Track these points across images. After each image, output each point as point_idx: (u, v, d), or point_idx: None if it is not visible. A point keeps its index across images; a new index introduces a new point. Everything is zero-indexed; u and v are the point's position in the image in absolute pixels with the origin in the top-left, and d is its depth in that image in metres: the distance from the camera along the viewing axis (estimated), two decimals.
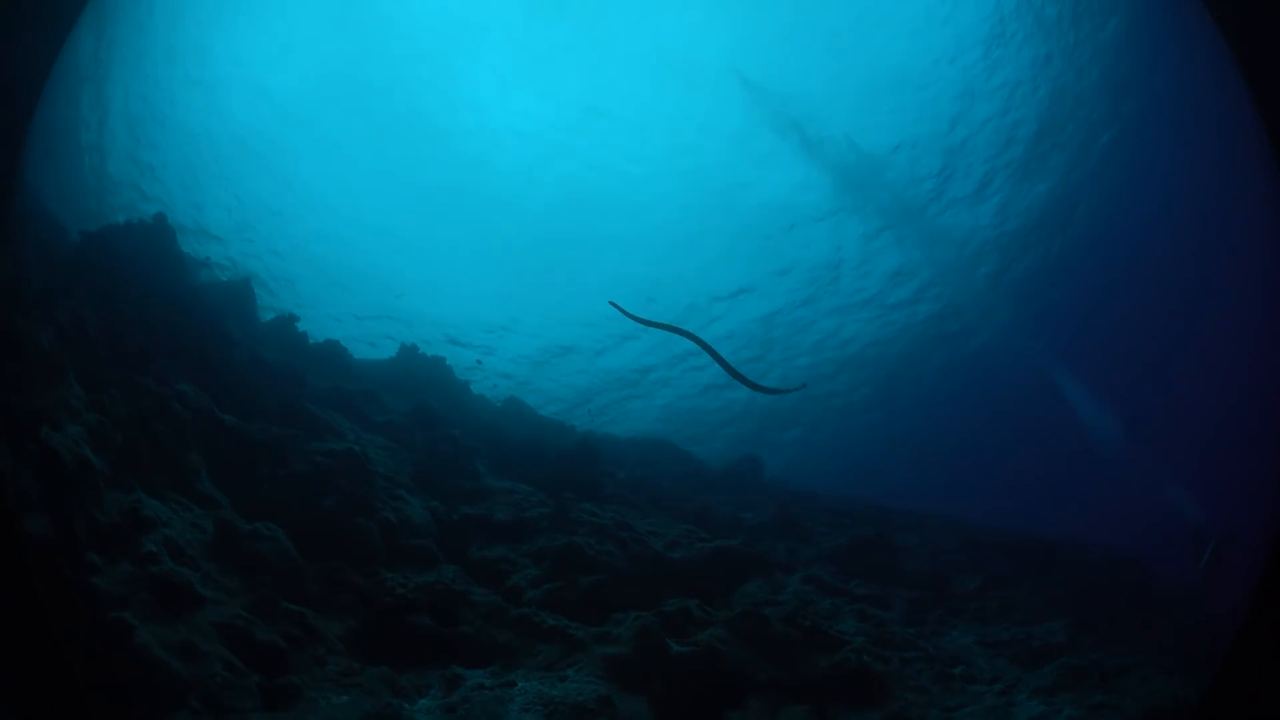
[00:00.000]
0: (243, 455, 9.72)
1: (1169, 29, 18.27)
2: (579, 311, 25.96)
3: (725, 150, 24.00)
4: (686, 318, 26.15)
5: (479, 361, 25.22)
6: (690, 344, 11.88)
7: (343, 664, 7.17)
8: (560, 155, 24.57)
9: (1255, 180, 12.68)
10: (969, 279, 25.81)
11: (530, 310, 26.22)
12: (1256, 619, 4.11)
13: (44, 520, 5.90)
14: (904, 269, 25.94)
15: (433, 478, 11.79)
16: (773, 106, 23.02)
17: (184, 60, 19.27)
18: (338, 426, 11.53)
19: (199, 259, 17.15)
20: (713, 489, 17.36)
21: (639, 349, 27.22)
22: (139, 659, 5.77)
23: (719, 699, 7.34)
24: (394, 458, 11.88)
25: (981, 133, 22.33)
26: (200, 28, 19.21)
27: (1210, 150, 19.61)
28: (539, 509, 11.55)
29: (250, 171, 21.79)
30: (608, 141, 24.08)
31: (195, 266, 15.21)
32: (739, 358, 27.04)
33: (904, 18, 20.86)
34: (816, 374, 28.46)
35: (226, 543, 7.85)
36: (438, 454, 12.20)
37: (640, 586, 9.73)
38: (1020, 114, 21.77)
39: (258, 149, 21.87)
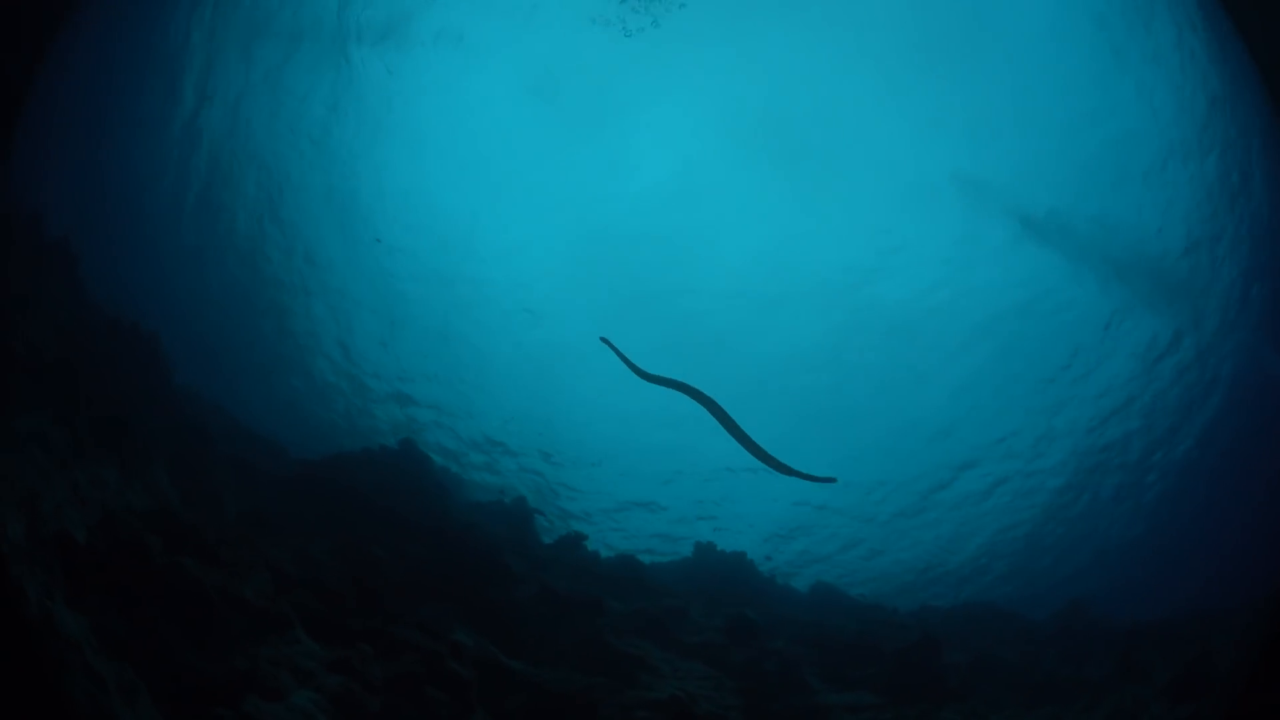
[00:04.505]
0: (542, 712, 7.95)
1: None
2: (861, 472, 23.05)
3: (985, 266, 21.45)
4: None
5: (768, 558, 22.73)
6: None
7: None
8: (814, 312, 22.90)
9: None
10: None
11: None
12: None
13: None
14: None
15: (763, 703, 10.16)
16: (1001, 201, 20.58)
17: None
18: (650, 659, 10.22)
19: (460, 473, 16.17)
20: (1048, 648, 15.78)
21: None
22: None
23: None
24: (717, 687, 10.25)
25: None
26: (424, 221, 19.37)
27: None
28: None
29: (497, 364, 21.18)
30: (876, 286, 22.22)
31: (457, 485, 14.09)
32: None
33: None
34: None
35: None
36: (763, 673, 10.79)
37: None
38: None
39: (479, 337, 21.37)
